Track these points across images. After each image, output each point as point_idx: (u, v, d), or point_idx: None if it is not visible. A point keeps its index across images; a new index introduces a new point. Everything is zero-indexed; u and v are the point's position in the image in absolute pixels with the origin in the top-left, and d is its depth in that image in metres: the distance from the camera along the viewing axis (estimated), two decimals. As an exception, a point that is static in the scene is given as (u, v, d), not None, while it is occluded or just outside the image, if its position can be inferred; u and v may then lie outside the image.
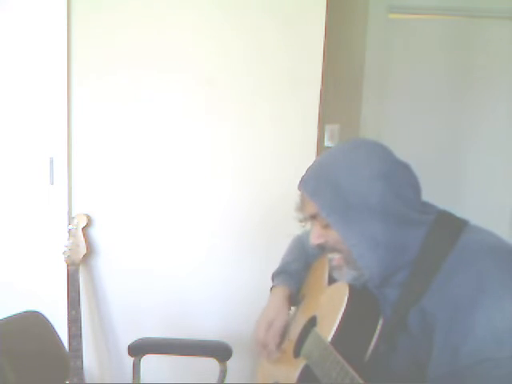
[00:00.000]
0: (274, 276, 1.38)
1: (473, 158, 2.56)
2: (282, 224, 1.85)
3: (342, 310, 1.01)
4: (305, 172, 1.07)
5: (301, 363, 1.11)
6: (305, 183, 1.04)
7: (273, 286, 1.36)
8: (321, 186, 0.99)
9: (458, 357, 0.83)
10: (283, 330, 1.28)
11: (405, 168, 1.00)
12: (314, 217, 1.02)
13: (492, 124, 2.54)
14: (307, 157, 1.84)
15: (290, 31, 1.81)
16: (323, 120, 1.93)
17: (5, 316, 1.20)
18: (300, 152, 1.85)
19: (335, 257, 1.03)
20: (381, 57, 2.44)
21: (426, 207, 1.02)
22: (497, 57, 2.49)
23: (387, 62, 2.45)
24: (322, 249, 1.05)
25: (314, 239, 1.04)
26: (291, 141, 1.86)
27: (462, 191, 2.53)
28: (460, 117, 2.53)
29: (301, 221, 1.10)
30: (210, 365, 1.53)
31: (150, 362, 1.58)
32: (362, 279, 0.99)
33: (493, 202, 2.53)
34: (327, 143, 2.36)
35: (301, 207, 1.07)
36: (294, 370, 1.11)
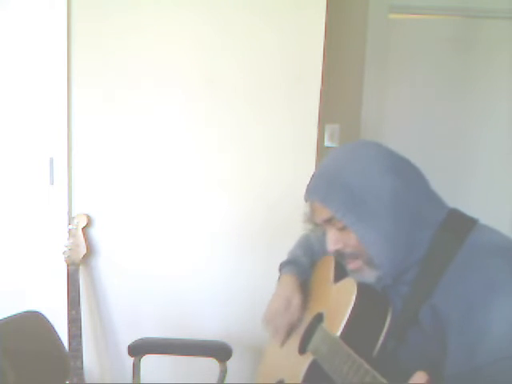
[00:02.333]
0: (283, 266, 1.37)
1: (473, 157, 2.56)
2: (282, 224, 1.86)
3: (351, 306, 1.01)
4: (309, 181, 1.06)
5: (308, 359, 1.11)
6: (313, 191, 1.04)
7: (281, 275, 1.34)
8: (332, 190, 0.99)
9: (474, 356, 0.84)
10: (301, 309, 1.26)
11: (407, 161, 1.01)
12: (328, 221, 1.01)
13: (492, 124, 2.54)
14: (307, 157, 1.85)
15: (290, 31, 1.81)
16: (323, 120, 1.93)
17: (5, 316, 1.20)
18: (300, 152, 1.85)
19: (355, 262, 1.01)
20: (381, 57, 2.44)
21: (437, 203, 1.01)
22: (497, 57, 2.49)
23: (387, 62, 2.45)
24: (341, 255, 1.04)
25: (332, 245, 1.02)
26: (291, 141, 1.86)
27: (462, 191, 2.53)
28: (460, 117, 2.53)
29: (312, 231, 1.09)
30: (210, 365, 1.53)
31: (150, 362, 1.58)
32: (383, 279, 0.99)
33: (493, 201, 2.53)
34: (327, 143, 2.36)
35: (311, 216, 1.06)
36: (301, 366, 1.11)
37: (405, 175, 0.98)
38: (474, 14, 2.46)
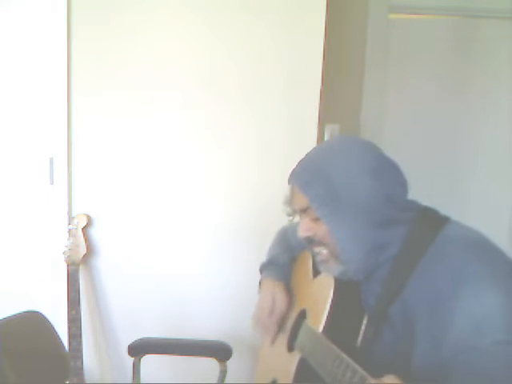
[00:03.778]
0: (263, 268, 1.39)
1: (473, 158, 2.56)
2: (282, 224, 1.86)
3: (330, 300, 1.03)
4: (296, 165, 1.09)
5: (296, 357, 1.13)
6: (296, 176, 1.06)
7: (262, 279, 1.37)
8: (313, 179, 1.01)
9: (440, 348, 0.85)
10: (285, 312, 1.28)
11: (394, 166, 1.02)
12: (304, 210, 1.03)
13: (492, 124, 2.54)
14: (307, 157, 1.84)
15: (290, 31, 1.80)
16: (323, 120, 1.93)
17: (5, 316, 1.21)
18: (300, 152, 1.84)
19: (322, 251, 1.04)
20: (381, 57, 2.43)
21: (410, 204, 1.03)
22: (496, 57, 2.49)
23: (387, 62, 2.45)
24: (310, 242, 1.06)
25: (303, 232, 1.05)
26: (291, 141, 1.86)
27: (462, 192, 2.53)
28: (460, 117, 2.53)
29: (289, 214, 1.11)
30: (210, 365, 1.53)
31: (150, 362, 1.58)
32: (349, 274, 1.01)
33: (493, 203, 2.53)
34: (327, 143, 2.36)
35: (290, 200, 1.09)
36: (291, 364, 1.12)
37: (385, 177, 0.99)
38: (474, 14, 2.46)
